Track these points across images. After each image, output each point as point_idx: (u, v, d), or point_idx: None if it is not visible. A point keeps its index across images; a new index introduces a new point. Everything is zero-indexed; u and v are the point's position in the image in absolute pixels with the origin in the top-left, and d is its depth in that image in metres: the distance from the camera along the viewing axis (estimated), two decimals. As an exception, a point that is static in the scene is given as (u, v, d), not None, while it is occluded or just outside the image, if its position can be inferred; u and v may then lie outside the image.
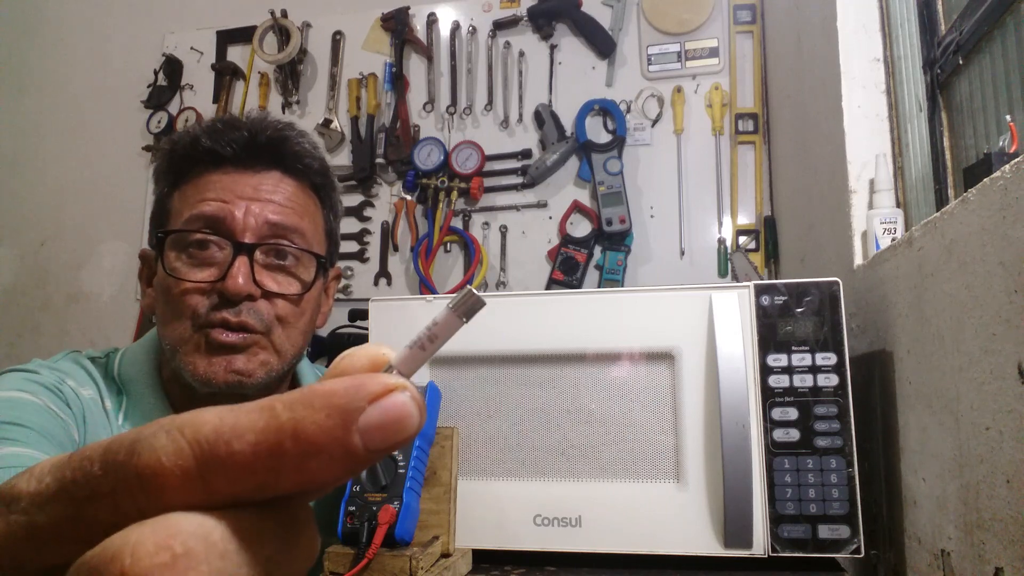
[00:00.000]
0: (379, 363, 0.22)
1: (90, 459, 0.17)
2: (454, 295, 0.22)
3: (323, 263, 0.80)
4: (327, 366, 1.58)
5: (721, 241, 1.70)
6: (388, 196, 1.90)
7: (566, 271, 1.72)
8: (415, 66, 1.94)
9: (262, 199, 0.75)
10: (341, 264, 1.87)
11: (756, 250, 1.66)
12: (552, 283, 1.73)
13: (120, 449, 0.17)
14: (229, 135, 0.76)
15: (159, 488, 0.16)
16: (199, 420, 0.17)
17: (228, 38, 2.08)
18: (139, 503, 0.17)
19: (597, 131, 1.77)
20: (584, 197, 1.77)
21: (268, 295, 0.75)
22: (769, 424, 0.74)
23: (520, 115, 1.84)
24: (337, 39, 1.99)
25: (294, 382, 0.86)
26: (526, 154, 1.82)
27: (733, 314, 0.76)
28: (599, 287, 1.70)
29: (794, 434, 0.74)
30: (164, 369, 0.80)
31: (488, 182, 1.81)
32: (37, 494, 0.18)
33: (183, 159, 0.78)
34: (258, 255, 0.74)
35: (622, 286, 1.68)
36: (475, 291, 0.22)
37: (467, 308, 0.22)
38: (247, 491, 0.17)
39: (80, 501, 0.17)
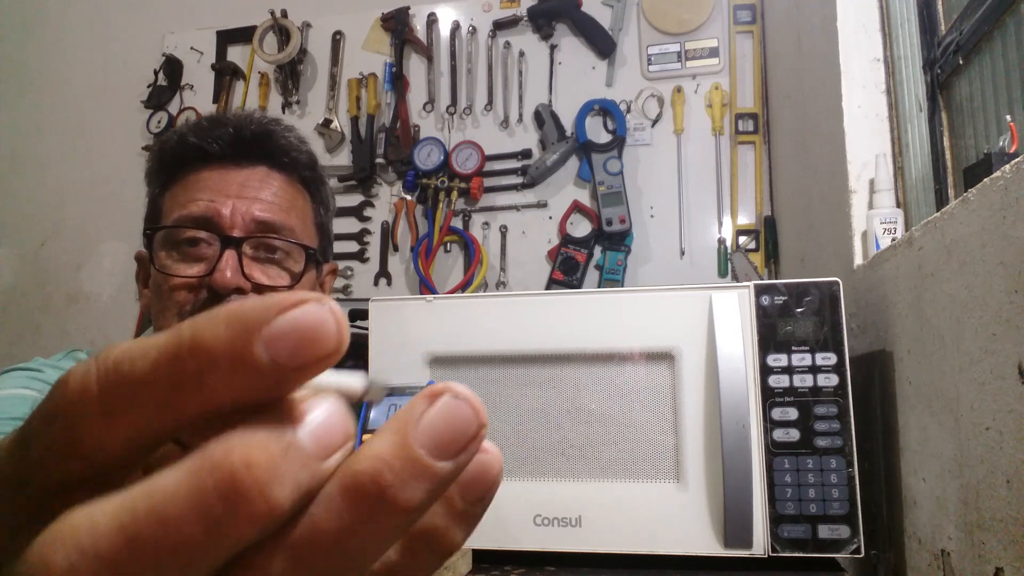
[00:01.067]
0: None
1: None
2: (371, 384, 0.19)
3: (312, 255, 0.80)
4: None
5: (721, 241, 1.69)
6: (388, 196, 1.90)
7: (566, 271, 1.72)
8: (415, 66, 1.94)
9: (249, 196, 0.76)
10: (341, 264, 1.87)
11: (756, 250, 1.66)
12: (552, 283, 1.73)
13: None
14: (215, 132, 0.77)
15: (68, 415, 0.16)
16: (112, 347, 0.16)
17: (228, 38, 2.08)
18: (55, 437, 0.16)
19: (597, 131, 1.77)
20: (584, 197, 1.77)
21: (259, 288, 0.75)
22: (769, 424, 0.74)
23: (520, 115, 1.84)
24: (337, 39, 1.99)
25: None
26: (526, 154, 1.82)
27: (733, 314, 0.76)
28: (599, 287, 1.70)
29: (794, 434, 0.74)
30: None
31: (488, 182, 1.81)
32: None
33: (172, 158, 0.79)
34: (247, 249, 0.75)
35: (622, 286, 1.68)
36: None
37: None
38: (150, 414, 0.16)
39: (18, 445, 0.16)
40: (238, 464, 0.14)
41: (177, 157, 0.78)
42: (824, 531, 0.72)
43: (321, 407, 0.16)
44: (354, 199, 1.91)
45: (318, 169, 0.85)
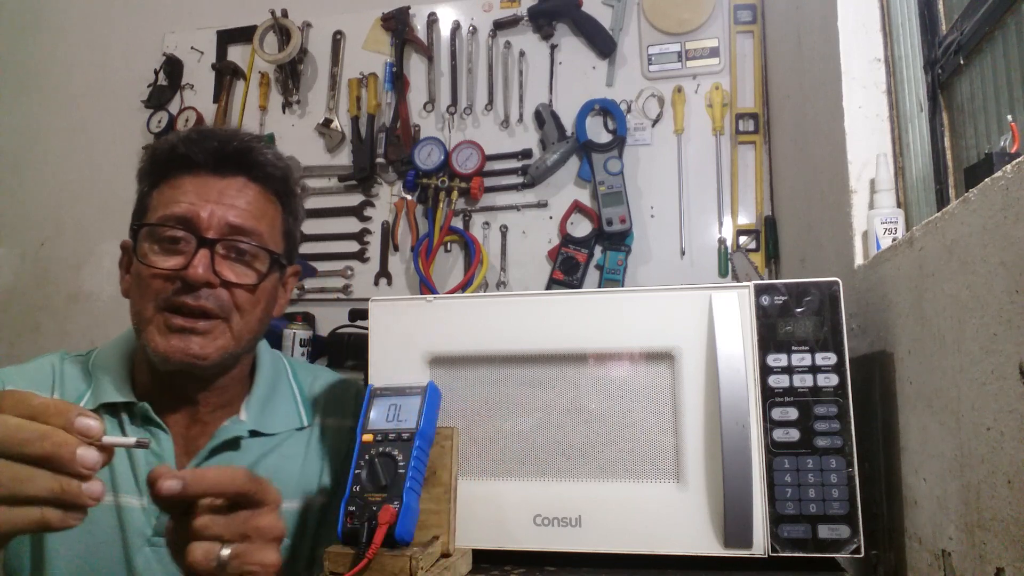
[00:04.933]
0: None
1: None
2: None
3: (277, 259, 0.88)
4: (327, 366, 1.60)
5: (721, 241, 1.69)
6: (388, 196, 1.90)
7: (566, 271, 1.72)
8: (415, 66, 1.94)
9: (226, 203, 0.85)
10: (341, 264, 1.88)
11: (756, 250, 1.66)
12: (552, 283, 1.73)
13: None
14: (202, 144, 0.86)
15: None
16: None
17: (228, 38, 2.08)
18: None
19: (597, 131, 1.77)
20: (584, 197, 1.77)
21: (226, 284, 0.83)
22: (769, 424, 0.74)
23: (520, 115, 1.84)
24: (337, 39, 1.99)
25: (254, 364, 0.94)
26: (526, 154, 1.81)
27: (733, 314, 0.76)
28: (599, 287, 1.70)
29: (794, 434, 0.74)
30: (137, 355, 0.89)
31: (488, 182, 1.81)
32: None
33: (162, 162, 0.88)
34: (219, 248, 0.83)
35: (622, 286, 1.68)
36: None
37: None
38: None
39: None
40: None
41: (167, 162, 0.87)
42: (824, 531, 0.72)
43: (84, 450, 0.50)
44: (354, 199, 1.91)
45: (291, 183, 0.93)
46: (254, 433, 0.87)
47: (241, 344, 0.85)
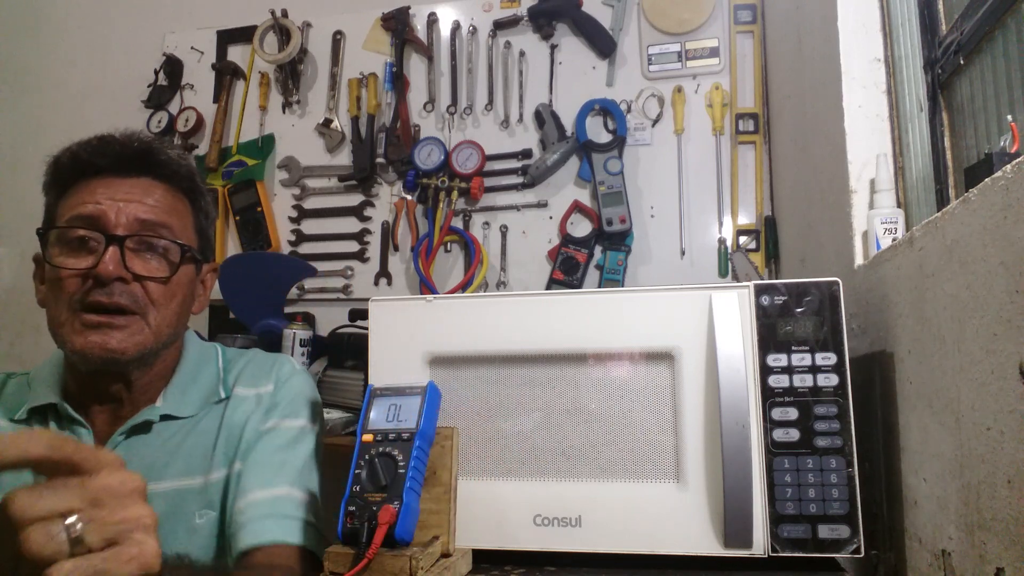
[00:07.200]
0: None
1: None
2: None
3: (188, 252, 0.88)
4: (327, 366, 1.58)
5: (721, 241, 1.69)
6: (388, 196, 1.90)
7: (566, 271, 1.72)
8: (415, 66, 1.94)
9: (133, 200, 0.85)
10: (341, 264, 1.88)
11: (756, 250, 1.66)
12: (552, 283, 1.73)
13: None
14: (104, 149, 0.87)
15: None
16: None
17: (228, 38, 2.08)
18: None
19: (597, 131, 1.77)
20: (584, 197, 1.77)
21: (139, 278, 0.84)
22: (769, 424, 0.74)
23: (520, 115, 1.84)
24: (337, 39, 1.99)
25: (181, 354, 0.94)
26: (526, 154, 1.82)
27: (733, 314, 0.76)
28: (599, 287, 1.70)
29: (794, 434, 0.74)
30: (64, 360, 0.91)
31: (488, 182, 1.81)
32: None
33: (66, 171, 0.88)
34: (130, 244, 0.84)
35: (622, 286, 1.68)
36: None
37: None
38: None
39: None
40: None
41: (70, 171, 0.88)
42: (824, 531, 0.72)
43: None
44: (354, 199, 1.91)
45: (196, 181, 0.94)
46: (168, 417, 0.87)
47: (160, 339, 0.86)
